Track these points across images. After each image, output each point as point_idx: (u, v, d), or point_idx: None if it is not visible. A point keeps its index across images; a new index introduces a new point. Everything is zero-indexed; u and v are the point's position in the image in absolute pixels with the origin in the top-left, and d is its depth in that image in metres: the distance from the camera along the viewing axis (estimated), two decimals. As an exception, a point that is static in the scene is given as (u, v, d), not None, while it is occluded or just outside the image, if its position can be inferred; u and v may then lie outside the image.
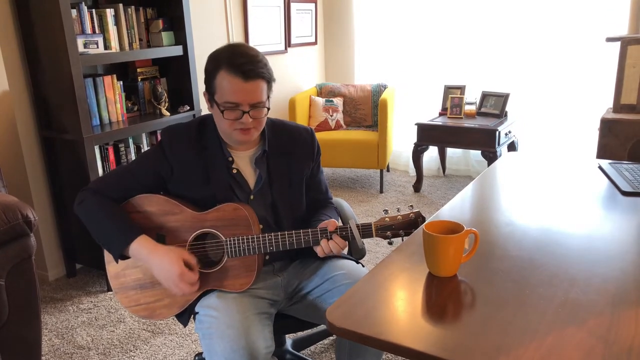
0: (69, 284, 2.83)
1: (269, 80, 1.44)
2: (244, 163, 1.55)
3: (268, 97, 1.46)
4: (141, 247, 1.42)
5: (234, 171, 1.53)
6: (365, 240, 3.15)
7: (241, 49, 1.42)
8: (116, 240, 1.43)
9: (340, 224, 1.55)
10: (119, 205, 1.50)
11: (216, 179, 1.51)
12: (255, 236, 1.45)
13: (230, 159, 1.53)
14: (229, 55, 1.40)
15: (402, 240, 1.46)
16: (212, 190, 1.50)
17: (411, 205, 1.49)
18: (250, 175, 1.55)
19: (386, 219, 1.46)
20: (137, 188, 1.52)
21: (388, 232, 1.45)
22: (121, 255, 1.44)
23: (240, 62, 1.38)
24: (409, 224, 1.45)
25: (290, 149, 1.58)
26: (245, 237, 1.45)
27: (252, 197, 1.54)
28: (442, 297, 1.05)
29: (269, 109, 1.47)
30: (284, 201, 1.57)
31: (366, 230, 1.45)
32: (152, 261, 1.41)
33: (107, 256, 1.53)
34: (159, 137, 1.56)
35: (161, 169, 1.52)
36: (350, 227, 1.44)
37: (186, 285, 1.40)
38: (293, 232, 1.45)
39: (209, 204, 1.49)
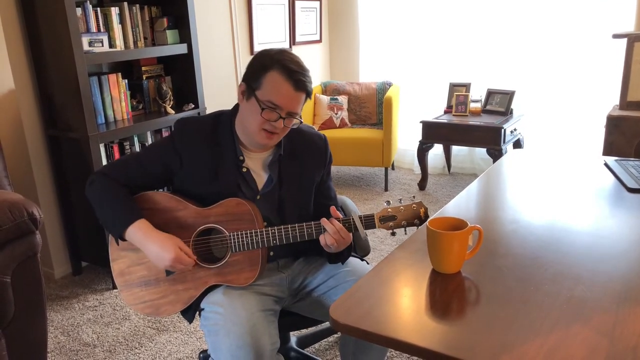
0: (75, 281, 2.84)
1: (309, 95, 1.48)
2: (255, 164, 1.55)
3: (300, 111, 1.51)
4: (137, 231, 1.43)
5: (244, 170, 1.53)
6: (370, 238, 3.14)
7: (296, 58, 1.45)
8: (116, 222, 1.45)
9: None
10: (126, 190, 1.51)
11: (224, 176, 1.51)
12: (258, 230, 1.45)
13: (241, 157, 1.53)
14: (285, 59, 1.42)
15: (405, 231, 1.46)
16: (219, 186, 1.50)
17: (413, 197, 1.49)
18: (260, 177, 1.55)
19: (388, 209, 1.45)
20: (145, 177, 1.53)
21: (391, 223, 1.44)
22: (121, 236, 1.46)
23: (295, 69, 1.41)
24: (411, 215, 1.44)
25: (303, 154, 1.58)
26: (248, 231, 1.45)
27: (258, 197, 1.54)
28: (446, 294, 1.04)
29: (301, 122, 1.50)
30: (292, 204, 1.56)
31: (369, 221, 1.45)
32: (146, 246, 1.43)
33: (112, 254, 1.54)
34: (172, 129, 1.56)
35: (170, 160, 1.52)
36: (352, 219, 1.43)
37: (180, 268, 1.43)
38: (296, 225, 1.45)
39: (214, 201, 1.49)
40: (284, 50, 1.46)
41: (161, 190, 1.56)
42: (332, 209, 1.46)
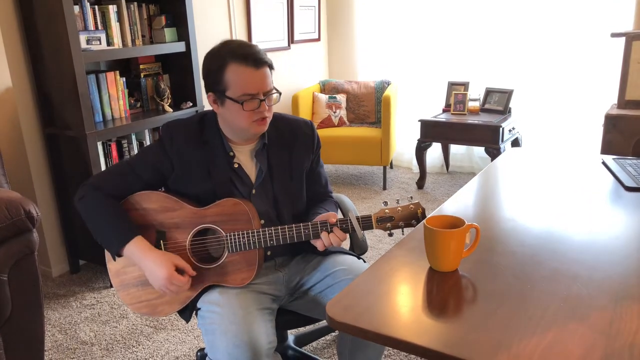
0: (73, 280, 2.84)
1: (271, 66, 1.48)
2: (245, 157, 1.55)
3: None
4: (135, 249, 1.44)
5: (236, 165, 1.53)
6: (367, 237, 3.14)
7: (239, 41, 1.45)
8: (113, 240, 1.45)
9: (340, 216, 1.55)
10: (119, 203, 1.50)
11: (217, 174, 1.51)
12: (255, 231, 1.45)
13: (232, 153, 1.53)
14: (231, 49, 1.42)
15: (402, 232, 1.46)
16: (213, 185, 1.50)
17: (411, 197, 1.49)
18: (251, 170, 1.55)
19: (386, 210, 1.46)
20: (138, 184, 1.52)
21: (388, 224, 1.45)
22: (118, 254, 1.46)
23: (246, 52, 1.41)
24: (408, 215, 1.44)
25: (291, 142, 1.58)
26: (245, 231, 1.45)
27: (253, 191, 1.54)
28: (443, 292, 1.04)
29: (280, 94, 1.49)
30: (285, 195, 1.56)
31: (366, 222, 1.45)
32: (143, 264, 1.43)
33: (108, 254, 1.54)
34: (159, 133, 1.56)
35: (161, 165, 1.52)
36: (350, 219, 1.44)
37: (174, 288, 1.42)
38: (293, 225, 1.45)
39: (210, 200, 1.49)
40: (224, 41, 1.47)
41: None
42: (332, 215, 1.46)
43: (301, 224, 1.45)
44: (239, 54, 1.40)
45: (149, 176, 1.53)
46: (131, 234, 1.44)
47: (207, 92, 1.48)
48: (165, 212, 1.50)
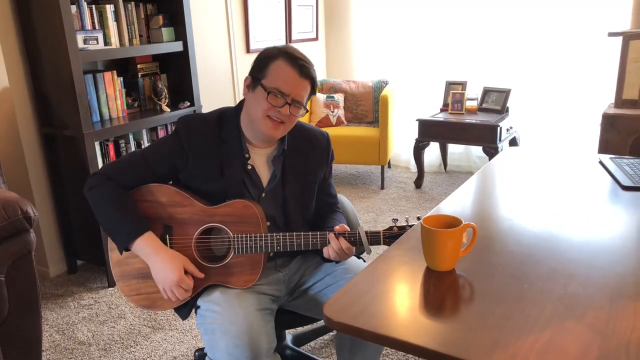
0: (70, 280, 2.83)
1: (314, 87, 1.50)
2: (260, 161, 1.55)
3: (306, 103, 1.51)
4: (146, 245, 1.42)
5: (249, 167, 1.52)
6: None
7: (299, 51, 1.49)
8: (123, 233, 1.43)
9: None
10: (130, 195, 1.49)
11: (230, 174, 1.50)
12: (263, 235, 1.45)
13: (247, 155, 1.52)
14: (289, 49, 1.46)
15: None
16: (225, 184, 1.50)
17: (419, 217, 1.50)
18: (264, 173, 1.55)
19: (394, 228, 1.46)
20: (150, 176, 1.51)
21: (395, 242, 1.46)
22: (127, 248, 1.45)
23: (298, 57, 1.45)
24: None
25: (307, 151, 1.59)
26: (253, 235, 1.45)
27: (263, 195, 1.54)
28: (440, 291, 1.04)
29: (307, 110, 1.50)
30: (295, 202, 1.56)
31: (374, 238, 1.45)
32: (153, 261, 1.42)
33: (111, 243, 1.53)
34: (175, 126, 1.55)
35: (176, 159, 1.51)
36: (359, 233, 1.44)
37: (180, 293, 1.43)
38: (302, 233, 1.46)
39: (220, 199, 1.49)
40: (288, 44, 1.49)
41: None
42: (342, 226, 1.47)
43: (310, 233, 1.46)
44: (291, 56, 1.44)
45: (162, 169, 1.52)
46: (142, 229, 1.43)
47: (248, 75, 1.50)
48: (175, 206, 1.49)
